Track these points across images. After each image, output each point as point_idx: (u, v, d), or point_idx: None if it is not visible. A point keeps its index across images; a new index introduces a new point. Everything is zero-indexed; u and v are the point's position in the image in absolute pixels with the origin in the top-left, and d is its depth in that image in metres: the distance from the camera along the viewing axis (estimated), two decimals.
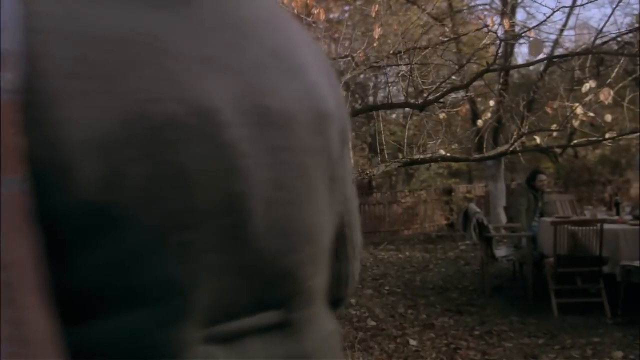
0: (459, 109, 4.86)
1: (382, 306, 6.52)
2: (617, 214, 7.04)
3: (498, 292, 7.12)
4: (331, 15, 13.30)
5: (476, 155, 4.10)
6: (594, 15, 34.63)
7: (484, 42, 3.59)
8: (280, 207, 0.58)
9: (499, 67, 3.72)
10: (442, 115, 4.59)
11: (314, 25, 3.99)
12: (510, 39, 4.06)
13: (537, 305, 6.25)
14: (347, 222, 0.73)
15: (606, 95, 3.49)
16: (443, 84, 3.71)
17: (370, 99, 15.83)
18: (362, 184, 14.76)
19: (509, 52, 10.33)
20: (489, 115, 4.93)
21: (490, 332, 5.50)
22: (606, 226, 6.35)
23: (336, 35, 5.04)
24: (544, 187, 7.65)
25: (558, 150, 18.69)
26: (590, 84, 4.08)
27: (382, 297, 7.03)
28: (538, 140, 4.06)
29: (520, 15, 17.53)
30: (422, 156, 3.92)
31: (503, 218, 8.96)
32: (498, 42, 2.96)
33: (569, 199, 8.59)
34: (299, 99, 0.61)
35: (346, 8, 12.29)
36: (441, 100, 3.96)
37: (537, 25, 4.00)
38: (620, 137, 3.64)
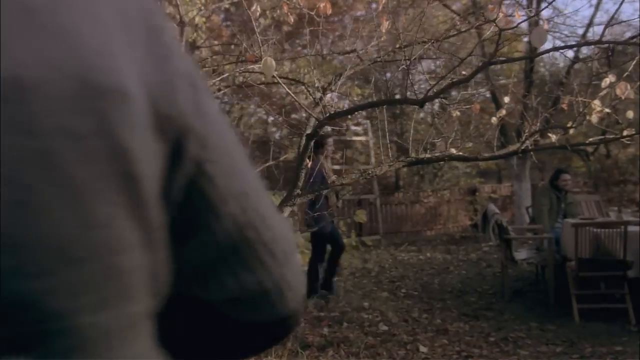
0: (471, 105, 4.65)
1: (397, 310, 6.32)
2: None
3: (518, 296, 6.86)
4: (358, 13, 13.06)
5: (486, 155, 3.87)
6: (625, 10, 33.62)
7: (486, 35, 3.36)
8: (11, 209, 0.41)
9: (500, 59, 3.49)
10: (455, 114, 4.40)
11: (318, 20, 3.81)
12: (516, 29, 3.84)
13: (558, 311, 5.98)
14: (244, 223, 0.57)
15: (622, 90, 3.25)
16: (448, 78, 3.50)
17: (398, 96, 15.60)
18: (389, 183, 14.55)
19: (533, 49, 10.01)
20: (503, 112, 4.70)
21: (506, 338, 5.27)
22: (631, 228, 6.07)
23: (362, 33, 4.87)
24: (568, 187, 7.36)
25: (590, 149, 18.32)
26: (610, 78, 3.85)
27: (398, 301, 6.82)
28: (553, 138, 3.83)
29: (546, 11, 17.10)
30: (429, 155, 3.72)
31: (527, 219, 8.68)
32: (498, 33, 2.75)
33: (595, 200, 8.27)
34: (52, 67, 0.44)
35: (373, 6, 12.05)
36: (444, 96, 3.75)
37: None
38: (636, 135, 3.41)
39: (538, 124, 3.63)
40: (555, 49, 4.00)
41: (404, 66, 3.21)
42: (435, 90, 3.12)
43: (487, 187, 14.23)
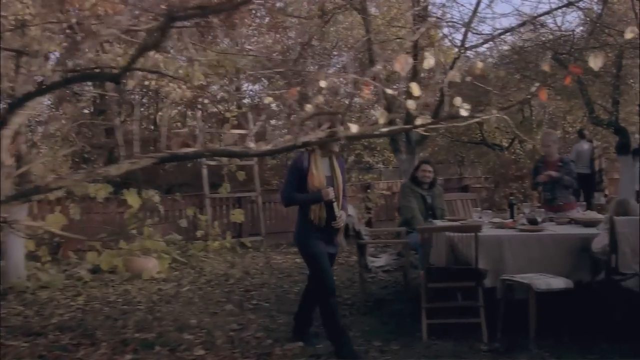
0: (287, 91, 3.86)
1: (229, 328, 5.46)
2: (511, 217, 6.10)
3: (378, 307, 6.12)
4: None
5: (265, 147, 3.05)
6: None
7: None
8: None
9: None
10: (268, 99, 3.60)
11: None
12: None
13: (411, 327, 5.26)
14: None
15: (402, 64, 2.50)
16: None
17: None
18: (275, 179, 13.71)
19: None
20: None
21: None
22: (490, 232, 5.42)
23: None
24: (429, 179, 6.64)
25: (505, 144, 18.07)
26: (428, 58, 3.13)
27: (238, 315, 5.96)
28: (354, 129, 3.04)
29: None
30: (185, 150, 2.87)
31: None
32: None
33: (471, 198, 7.65)
34: None
35: None
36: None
37: None
38: (430, 124, 2.67)
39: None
40: None
41: None
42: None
43: (381, 183, 13.58)
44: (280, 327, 5.52)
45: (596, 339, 4.72)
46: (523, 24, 10.32)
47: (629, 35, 2.63)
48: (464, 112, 2.71)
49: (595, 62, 2.66)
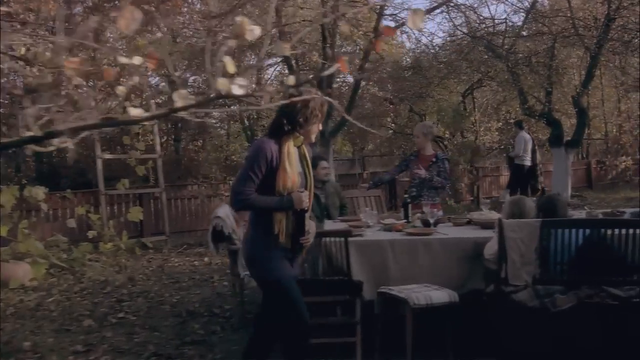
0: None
1: (74, 350, 4.66)
2: (405, 217, 5.42)
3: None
4: None
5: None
6: None
7: None
8: None
9: None
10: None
11: None
12: None
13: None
14: None
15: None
16: None
17: None
18: (182, 173, 12.84)
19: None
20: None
21: None
22: (372, 237, 4.74)
23: None
24: (326, 177, 6.09)
25: (448, 136, 17.55)
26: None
27: (94, 333, 5.16)
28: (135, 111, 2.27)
29: None
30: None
31: None
32: None
33: (375, 195, 6.97)
34: None
35: None
36: None
37: None
38: (194, 106, 1.94)
39: None
40: None
41: None
42: None
43: None
44: (134, 347, 4.75)
45: (486, 356, 4.10)
46: (436, 7, 9.71)
47: None
48: (237, 90, 1.98)
49: (414, 20, 1.97)
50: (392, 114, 18.78)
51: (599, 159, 19.96)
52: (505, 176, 15.97)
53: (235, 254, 5.21)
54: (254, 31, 2.57)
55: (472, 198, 14.55)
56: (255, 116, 16.87)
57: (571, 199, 14.34)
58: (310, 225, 3.47)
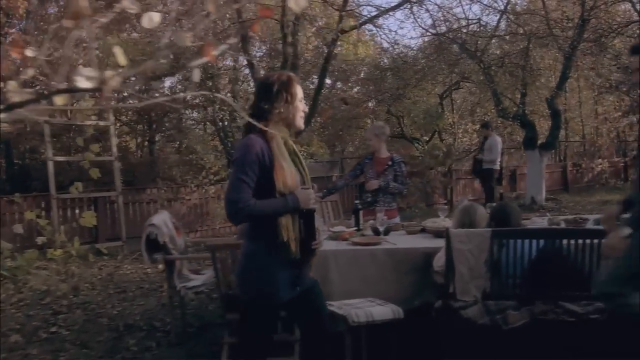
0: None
1: None
2: (356, 225, 5.07)
3: (199, 335, 5.04)
4: None
5: None
6: None
7: None
8: None
9: None
10: None
11: None
12: None
13: None
14: None
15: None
16: None
17: None
18: (139, 177, 12.41)
19: None
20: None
21: None
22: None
23: None
24: None
25: (426, 137, 17.29)
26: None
27: (18, 351, 4.76)
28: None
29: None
30: None
31: None
32: None
33: (332, 200, 6.62)
34: None
35: None
36: None
37: None
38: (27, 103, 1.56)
39: None
40: None
41: None
42: None
43: None
44: None
45: None
46: (398, 6, 9.41)
47: None
48: (84, 83, 1.63)
49: (296, 2, 1.69)
50: (371, 115, 18.49)
51: (575, 162, 19.79)
52: None
53: (172, 265, 4.83)
54: (153, 18, 2.20)
55: (445, 201, 14.26)
56: (229, 118, 16.45)
57: (545, 202, 14.14)
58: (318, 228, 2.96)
